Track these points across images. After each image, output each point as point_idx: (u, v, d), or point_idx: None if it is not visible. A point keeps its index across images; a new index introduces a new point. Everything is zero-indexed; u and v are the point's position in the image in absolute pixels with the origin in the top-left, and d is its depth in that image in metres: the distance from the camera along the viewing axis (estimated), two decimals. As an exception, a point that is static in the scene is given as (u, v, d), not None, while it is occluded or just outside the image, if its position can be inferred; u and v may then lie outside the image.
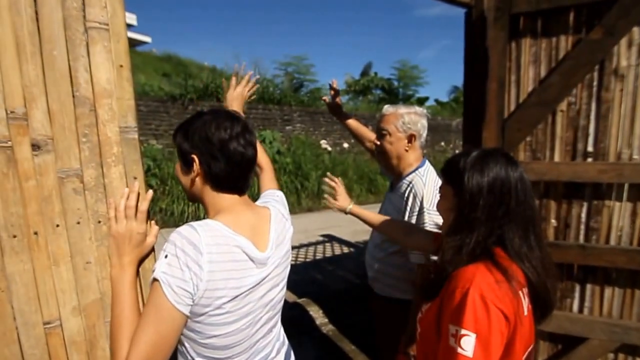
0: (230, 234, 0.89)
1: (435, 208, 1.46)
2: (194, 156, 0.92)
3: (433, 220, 1.49)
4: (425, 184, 1.55)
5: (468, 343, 0.80)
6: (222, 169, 0.92)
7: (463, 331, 0.80)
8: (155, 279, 0.81)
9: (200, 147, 0.91)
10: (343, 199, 1.61)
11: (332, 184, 1.63)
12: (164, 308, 0.79)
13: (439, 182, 1.54)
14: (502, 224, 0.92)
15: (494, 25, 1.73)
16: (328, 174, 1.70)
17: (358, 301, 3.56)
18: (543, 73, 1.75)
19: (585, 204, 1.76)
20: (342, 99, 2.18)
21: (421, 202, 1.53)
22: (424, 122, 1.66)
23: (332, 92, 2.10)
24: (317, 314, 3.41)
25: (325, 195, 1.64)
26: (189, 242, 0.82)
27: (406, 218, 1.59)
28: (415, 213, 1.55)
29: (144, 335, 0.78)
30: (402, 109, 1.66)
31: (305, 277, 4.35)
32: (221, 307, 0.85)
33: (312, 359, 2.81)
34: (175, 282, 0.79)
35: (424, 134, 1.67)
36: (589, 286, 1.81)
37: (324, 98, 2.17)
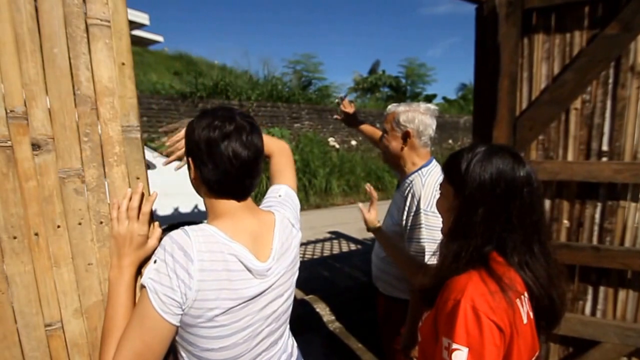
0: (226, 241, 0.84)
1: (432, 210, 1.43)
2: (190, 159, 0.88)
3: (429, 222, 1.45)
4: (424, 185, 1.51)
5: (460, 358, 0.76)
6: (211, 173, 0.86)
7: (455, 345, 0.76)
8: (142, 285, 0.78)
9: (193, 150, 0.87)
10: (374, 216, 1.59)
11: (373, 194, 1.63)
12: (150, 316, 0.76)
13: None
14: (504, 231, 0.85)
15: (506, 21, 1.69)
16: (368, 184, 1.71)
17: (365, 299, 3.54)
18: (556, 70, 1.71)
19: (599, 205, 1.72)
20: (349, 97, 2.20)
21: (418, 203, 1.49)
22: (424, 119, 1.58)
23: (344, 108, 2.17)
24: (324, 312, 3.40)
25: (360, 205, 1.64)
26: (179, 248, 0.78)
27: (404, 218, 1.56)
28: (412, 213, 1.52)
29: (129, 342, 0.76)
30: (401, 107, 1.63)
31: (312, 274, 4.34)
32: (213, 320, 0.81)
33: (319, 357, 2.80)
34: (162, 290, 0.76)
35: (426, 131, 1.59)
36: (602, 288, 1.78)
37: (336, 117, 2.23)
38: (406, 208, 1.56)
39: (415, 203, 1.51)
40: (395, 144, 1.63)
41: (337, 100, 2.27)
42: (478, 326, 0.76)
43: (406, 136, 1.59)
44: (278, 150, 1.25)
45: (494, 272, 0.82)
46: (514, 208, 0.84)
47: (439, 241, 1.43)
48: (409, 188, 1.57)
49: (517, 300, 0.82)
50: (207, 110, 0.89)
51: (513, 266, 0.86)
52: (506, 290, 0.80)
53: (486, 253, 0.85)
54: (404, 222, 1.56)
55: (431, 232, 1.45)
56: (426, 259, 1.45)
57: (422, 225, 1.46)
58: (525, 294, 0.86)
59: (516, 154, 0.88)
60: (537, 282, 0.86)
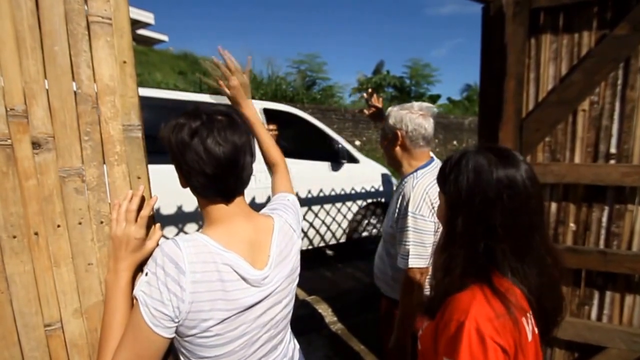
0: (219, 250, 0.81)
1: (420, 213, 1.42)
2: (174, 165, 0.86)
3: (417, 225, 1.43)
4: (414, 187, 1.48)
5: None
6: (191, 176, 0.81)
7: None
8: (135, 297, 0.77)
9: (171, 155, 0.83)
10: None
11: None
12: (142, 329, 0.75)
13: (433, 185, 1.46)
14: (489, 241, 0.79)
15: (513, 21, 1.67)
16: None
17: (368, 300, 3.53)
18: (564, 70, 1.69)
19: (606, 208, 1.69)
20: (354, 97, 2.23)
21: (406, 205, 1.47)
22: (414, 118, 1.53)
23: (374, 102, 2.17)
24: (327, 312, 3.39)
25: None
26: (171, 260, 0.77)
27: (395, 219, 1.56)
28: (402, 216, 1.51)
29: (122, 354, 0.75)
30: (395, 108, 1.61)
31: (315, 275, 4.33)
32: (209, 330, 0.80)
33: (321, 358, 2.79)
34: (153, 304, 0.75)
35: (418, 132, 1.54)
36: (608, 293, 1.75)
37: (363, 111, 2.22)
38: (397, 210, 1.55)
39: (404, 205, 1.49)
40: (387, 146, 1.63)
41: (364, 95, 2.25)
42: (483, 350, 0.72)
43: (395, 137, 1.57)
44: (284, 161, 1.23)
45: (497, 290, 0.77)
46: (496, 215, 0.78)
47: (427, 244, 1.42)
48: (401, 190, 1.56)
49: (523, 318, 0.78)
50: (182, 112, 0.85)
51: (506, 277, 0.81)
52: (512, 309, 0.76)
53: (485, 267, 0.81)
54: (395, 223, 1.55)
55: (418, 235, 1.43)
56: (412, 262, 1.44)
57: (409, 228, 1.44)
58: (530, 312, 0.82)
59: (501, 155, 0.81)
60: (531, 297, 0.82)
